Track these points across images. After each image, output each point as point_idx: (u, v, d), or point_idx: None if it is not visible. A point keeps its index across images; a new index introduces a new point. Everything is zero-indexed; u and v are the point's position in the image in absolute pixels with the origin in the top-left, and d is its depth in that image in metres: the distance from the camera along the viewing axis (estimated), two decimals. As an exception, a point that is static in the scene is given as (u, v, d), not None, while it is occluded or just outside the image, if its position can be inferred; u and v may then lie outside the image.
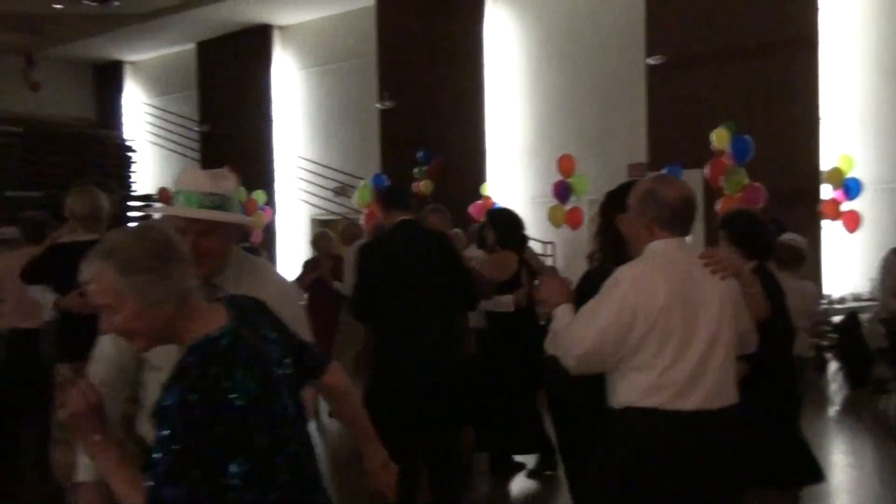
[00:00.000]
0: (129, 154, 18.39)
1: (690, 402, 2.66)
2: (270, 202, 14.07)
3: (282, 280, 2.79)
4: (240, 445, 1.82)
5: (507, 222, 5.97)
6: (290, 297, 2.71)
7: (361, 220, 11.51)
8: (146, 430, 2.52)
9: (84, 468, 2.49)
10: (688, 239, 2.90)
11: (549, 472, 5.87)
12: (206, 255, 2.40)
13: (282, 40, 15.83)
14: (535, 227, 12.02)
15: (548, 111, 12.56)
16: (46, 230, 5.79)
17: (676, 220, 2.78)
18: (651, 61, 11.31)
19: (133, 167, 18.21)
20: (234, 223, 2.52)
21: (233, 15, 14.97)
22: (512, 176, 12.89)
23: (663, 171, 9.70)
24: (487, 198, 11.96)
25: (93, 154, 17.54)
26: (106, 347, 2.51)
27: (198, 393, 1.78)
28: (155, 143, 18.23)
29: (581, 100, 12.17)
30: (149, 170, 18.25)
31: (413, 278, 4.48)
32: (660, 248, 2.77)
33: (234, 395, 1.81)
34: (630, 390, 2.70)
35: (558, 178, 10.83)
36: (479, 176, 12.62)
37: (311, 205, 14.41)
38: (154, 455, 1.77)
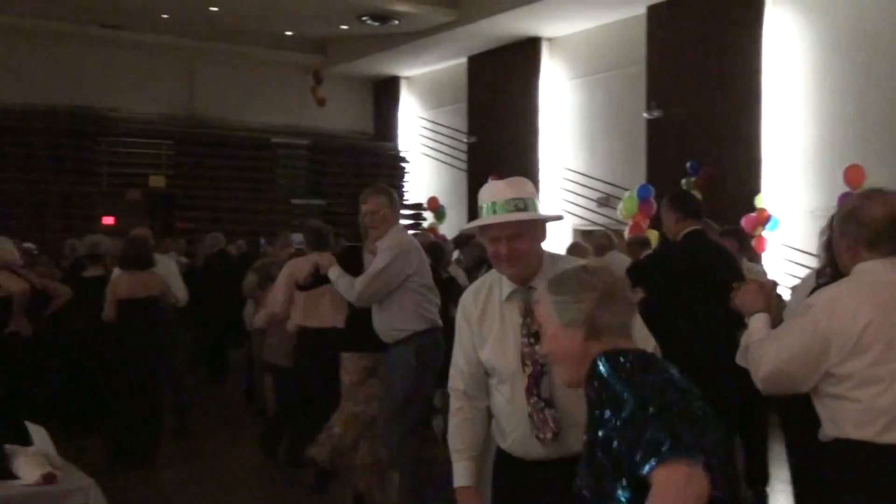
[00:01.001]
0: (403, 165, 19.42)
1: None
2: (534, 212, 14.12)
3: None
4: None
5: None
6: None
7: (626, 231, 11.30)
8: (497, 437, 2.69)
9: (460, 473, 2.66)
10: None
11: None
12: (519, 257, 2.56)
13: (550, 52, 15.93)
14: (816, 242, 11.17)
15: (833, 117, 11.62)
16: (327, 239, 6.17)
17: (883, 240, 2.54)
18: (958, 60, 10.15)
19: (406, 177, 19.20)
20: (539, 222, 2.59)
21: (503, 29, 15.28)
22: (790, 187, 12.06)
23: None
24: (762, 210, 11.30)
25: (369, 165, 18.71)
26: (458, 360, 2.70)
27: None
28: (426, 155, 19.04)
29: (872, 104, 11.14)
30: (421, 180, 19.11)
31: (705, 290, 4.47)
32: (865, 269, 2.56)
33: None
34: (836, 421, 2.48)
35: (844, 189, 9.98)
36: (753, 187, 11.93)
37: (574, 215, 14.34)
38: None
